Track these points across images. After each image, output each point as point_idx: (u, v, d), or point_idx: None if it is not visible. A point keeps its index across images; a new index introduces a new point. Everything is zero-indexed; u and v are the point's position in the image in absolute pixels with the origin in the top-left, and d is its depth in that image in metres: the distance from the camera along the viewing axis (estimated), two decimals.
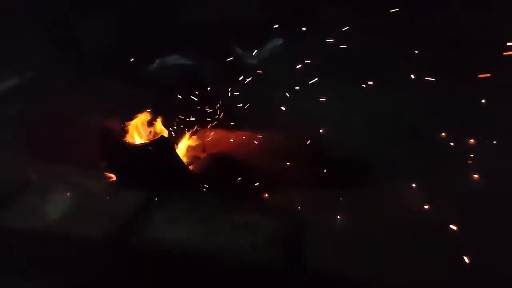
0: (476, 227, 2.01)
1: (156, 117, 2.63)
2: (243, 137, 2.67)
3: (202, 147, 2.69)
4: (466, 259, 1.86)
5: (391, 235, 2.00)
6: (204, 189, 2.35)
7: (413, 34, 2.53)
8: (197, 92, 2.78)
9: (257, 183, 2.39)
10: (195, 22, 3.00)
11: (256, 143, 2.62)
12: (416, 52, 2.53)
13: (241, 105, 2.72)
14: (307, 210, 2.18)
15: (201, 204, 2.25)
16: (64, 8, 3.07)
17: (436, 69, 2.47)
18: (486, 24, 2.50)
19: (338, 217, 2.12)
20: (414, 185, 2.27)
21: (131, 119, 2.61)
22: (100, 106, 2.74)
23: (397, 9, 2.53)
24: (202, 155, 2.65)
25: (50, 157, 2.53)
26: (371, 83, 2.57)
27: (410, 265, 1.87)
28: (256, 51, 2.97)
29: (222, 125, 2.75)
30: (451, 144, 2.40)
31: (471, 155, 2.34)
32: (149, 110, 2.63)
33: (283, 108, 2.65)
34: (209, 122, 2.75)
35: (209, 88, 2.81)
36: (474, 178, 2.26)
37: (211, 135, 2.73)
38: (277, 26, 2.78)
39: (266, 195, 2.37)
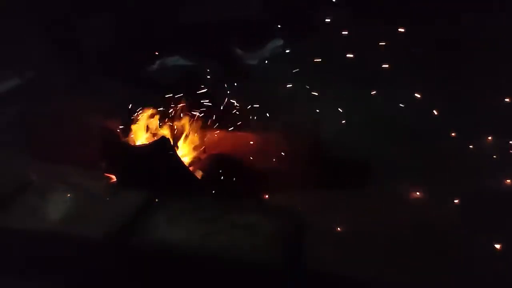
0: (476, 227, 2.01)
1: (157, 117, 2.64)
2: (243, 138, 2.67)
3: (202, 147, 2.69)
4: (466, 259, 1.86)
5: (391, 235, 2.01)
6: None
7: (413, 34, 2.53)
8: (197, 93, 2.78)
9: (257, 184, 2.39)
10: (195, 22, 3.00)
11: (256, 143, 2.62)
12: (417, 52, 2.53)
13: (242, 106, 2.73)
14: (307, 210, 2.18)
15: (201, 204, 2.25)
16: (64, 8, 3.06)
17: (436, 69, 2.48)
18: (486, 24, 2.50)
19: (338, 217, 2.12)
20: (414, 185, 2.27)
21: (132, 119, 2.61)
22: (100, 106, 2.74)
23: (398, 9, 2.54)
24: (203, 156, 2.66)
25: (50, 157, 2.53)
26: (371, 83, 2.57)
27: (410, 265, 1.87)
28: (256, 51, 2.97)
29: (222, 125, 2.75)
30: (451, 144, 2.41)
31: (471, 155, 2.34)
32: (151, 107, 2.64)
33: (283, 109, 2.65)
34: (209, 123, 2.74)
35: (209, 89, 2.81)
36: (474, 178, 2.26)
37: (211, 135, 2.73)
38: (278, 26, 2.79)
39: (266, 195, 2.37)
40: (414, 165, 2.34)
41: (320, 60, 2.62)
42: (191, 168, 2.53)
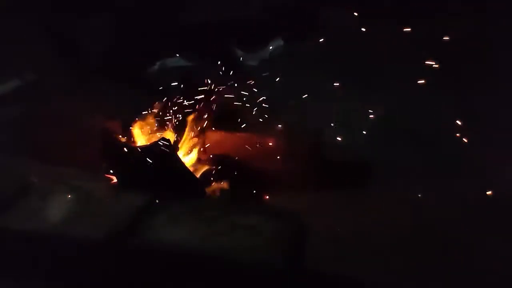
0: (476, 227, 2.02)
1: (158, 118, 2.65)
2: (244, 139, 2.67)
3: (203, 148, 2.69)
4: (467, 260, 1.87)
5: (391, 236, 2.01)
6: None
7: (414, 34, 2.53)
8: (197, 94, 2.78)
9: (258, 184, 2.39)
10: (195, 23, 3.00)
11: (257, 144, 2.62)
12: (417, 53, 2.53)
13: (242, 106, 2.73)
14: (308, 211, 2.18)
15: (201, 205, 2.25)
16: (65, 9, 3.06)
17: (436, 69, 2.48)
18: (486, 24, 2.50)
19: (339, 218, 2.13)
20: (414, 186, 2.27)
21: (132, 120, 2.62)
22: (101, 107, 2.75)
23: (398, 9, 2.53)
24: (203, 157, 2.66)
25: (52, 159, 2.53)
26: (372, 83, 2.57)
27: (410, 265, 1.87)
28: (257, 52, 2.97)
29: (223, 126, 2.75)
30: (451, 144, 2.41)
31: (471, 156, 2.34)
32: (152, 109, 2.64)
33: (283, 110, 2.65)
34: (210, 123, 2.74)
35: (209, 90, 2.81)
36: (475, 178, 2.27)
37: (212, 136, 2.73)
38: (278, 27, 2.79)
39: (267, 196, 2.37)
40: (414, 166, 2.34)
41: (320, 60, 2.62)
42: (191, 169, 2.54)
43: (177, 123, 2.71)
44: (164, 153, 2.40)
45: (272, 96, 2.71)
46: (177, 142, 2.65)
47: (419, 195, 2.24)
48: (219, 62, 2.89)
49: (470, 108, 2.46)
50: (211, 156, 2.64)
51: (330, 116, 2.61)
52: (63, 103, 2.84)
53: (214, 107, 2.76)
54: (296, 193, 2.33)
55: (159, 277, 1.95)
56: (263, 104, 2.70)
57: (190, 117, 2.71)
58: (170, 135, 2.64)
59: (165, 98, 2.77)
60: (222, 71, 2.87)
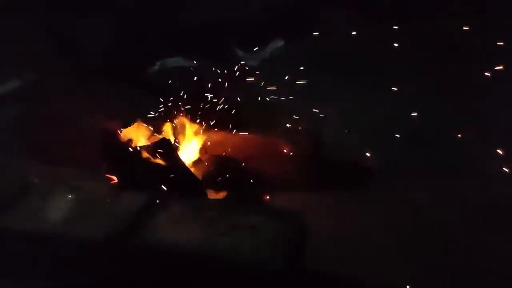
0: (476, 227, 2.02)
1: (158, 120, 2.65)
2: (245, 139, 2.67)
3: (203, 149, 2.69)
4: (467, 260, 1.87)
5: (391, 235, 2.01)
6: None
7: (414, 35, 2.53)
8: (198, 94, 2.78)
9: (258, 185, 2.39)
10: (195, 23, 3.00)
11: (257, 145, 2.62)
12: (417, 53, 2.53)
13: (243, 107, 2.73)
14: (308, 211, 2.18)
15: (202, 205, 2.25)
16: (65, 9, 3.06)
17: (436, 70, 2.48)
18: (486, 25, 2.50)
19: (339, 218, 2.13)
20: (414, 186, 2.27)
21: (133, 121, 2.62)
22: (101, 107, 2.75)
23: (399, 9, 2.53)
24: (204, 157, 2.66)
25: (52, 159, 2.53)
26: (372, 84, 2.57)
27: (410, 265, 1.87)
28: (257, 52, 2.97)
29: (223, 127, 2.75)
30: (451, 144, 2.41)
31: (471, 156, 2.35)
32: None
33: (284, 110, 2.65)
34: (210, 124, 2.74)
35: (210, 90, 2.81)
36: (475, 178, 2.27)
37: (212, 137, 2.73)
38: (278, 27, 2.79)
39: (268, 197, 2.37)
40: (415, 166, 2.34)
41: (320, 60, 2.62)
42: (192, 170, 2.54)
43: (178, 123, 2.71)
44: (165, 154, 2.40)
45: (272, 96, 2.71)
46: (177, 142, 2.65)
47: (419, 195, 2.24)
48: (219, 62, 2.89)
49: (470, 108, 2.46)
50: (211, 156, 2.64)
51: (330, 116, 2.61)
52: (63, 103, 2.84)
53: (214, 107, 2.76)
54: (296, 193, 2.33)
55: (159, 277, 1.94)
56: (265, 105, 2.70)
57: (191, 118, 2.71)
58: (170, 136, 2.64)
59: (166, 99, 2.77)
60: (222, 71, 2.87)
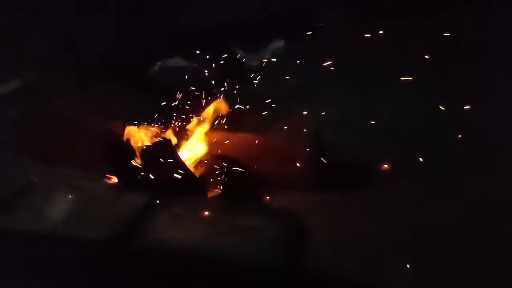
0: (476, 227, 2.02)
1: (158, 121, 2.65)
2: (245, 139, 2.67)
3: (204, 149, 2.69)
4: (467, 259, 1.87)
5: (391, 235, 2.01)
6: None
7: (414, 35, 2.53)
8: (198, 94, 2.78)
9: (259, 185, 2.39)
10: (195, 23, 3.00)
11: (258, 145, 2.62)
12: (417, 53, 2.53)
13: (243, 107, 2.73)
14: (308, 211, 2.18)
15: (202, 206, 2.25)
16: (65, 9, 3.07)
17: (437, 70, 2.48)
18: (486, 25, 2.50)
19: (340, 219, 2.13)
20: (414, 187, 2.27)
21: (133, 121, 2.62)
22: (102, 108, 2.75)
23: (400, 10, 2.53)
24: (204, 157, 2.66)
25: (52, 159, 2.53)
26: (372, 84, 2.57)
27: (410, 265, 1.87)
28: (257, 53, 2.97)
29: (224, 127, 2.75)
30: (451, 145, 2.41)
31: (471, 156, 2.34)
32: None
33: (284, 110, 2.65)
34: (210, 124, 2.74)
35: (210, 90, 2.81)
36: (475, 178, 2.26)
37: (213, 137, 2.73)
38: (278, 27, 2.79)
39: (268, 197, 2.37)
40: (415, 166, 2.34)
41: (320, 60, 2.62)
42: (193, 170, 2.54)
43: (178, 123, 2.71)
44: (165, 154, 2.40)
45: (273, 97, 2.71)
46: (178, 142, 2.65)
47: (419, 195, 2.24)
48: (220, 63, 2.89)
49: (470, 108, 2.46)
50: (212, 156, 2.64)
51: (330, 116, 2.61)
52: (63, 103, 2.84)
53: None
54: (296, 193, 2.33)
55: (160, 278, 1.95)
56: (265, 105, 2.70)
57: (191, 118, 2.71)
58: (171, 136, 2.64)
59: (166, 99, 2.77)
60: (222, 71, 2.87)
